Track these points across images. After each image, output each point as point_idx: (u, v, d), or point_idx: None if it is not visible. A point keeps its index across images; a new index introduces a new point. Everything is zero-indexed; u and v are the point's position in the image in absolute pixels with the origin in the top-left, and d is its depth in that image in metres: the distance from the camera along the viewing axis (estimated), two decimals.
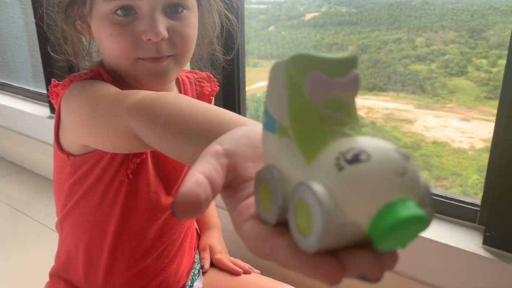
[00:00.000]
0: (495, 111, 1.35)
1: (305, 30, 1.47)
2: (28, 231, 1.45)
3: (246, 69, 1.20)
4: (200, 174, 0.27)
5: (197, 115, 0.40)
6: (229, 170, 0.29)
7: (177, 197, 0.25)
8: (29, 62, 2.13)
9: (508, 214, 0.78)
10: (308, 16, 1.46)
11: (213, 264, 0.86)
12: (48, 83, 1.56)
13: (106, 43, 0.60)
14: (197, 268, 0.84)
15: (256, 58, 1.50)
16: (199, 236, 0.91)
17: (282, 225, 0.25)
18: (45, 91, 1.74)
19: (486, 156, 1.34)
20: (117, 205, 0.66)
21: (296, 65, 0.24)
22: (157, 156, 0.67)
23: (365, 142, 0.23)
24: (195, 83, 0.76)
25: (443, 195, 0.94)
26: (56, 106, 0.64)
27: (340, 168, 0.22)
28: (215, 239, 0.89)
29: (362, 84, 1.39)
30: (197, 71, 0.78)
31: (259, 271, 0.85)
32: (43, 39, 1.50)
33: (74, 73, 0.63)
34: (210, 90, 0.77)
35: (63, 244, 0.74)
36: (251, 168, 0.30)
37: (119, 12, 0.58)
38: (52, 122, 0.64)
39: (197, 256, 0.86)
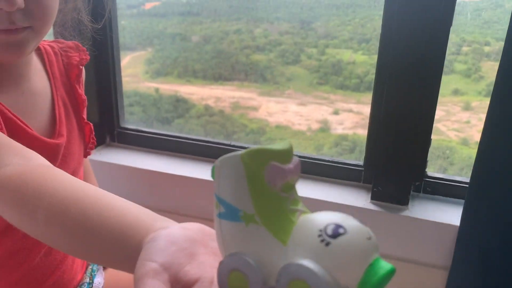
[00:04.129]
0: (326, 95, 1.51)
1: (146, 20, 1.42)
2: None
3: None
4: None
5: (85, 210, 0.36)
6: (172, 283, 0.29)
7: None
8: None
9: (390, 170, 0.88)
10: (148, 6, 1.42)
11: None
12: None
13: None
14: (96, 264, 0.77)
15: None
16: None
17: None
18: None
19: (321, 136, 1.49)
20: None
21: (253, 158, 0.27)
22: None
23: (329, 216, 0.27)
24: (60, 53, 0.69)
25: (329, 159, 1.00)
26: None
27: (327, 244, 0.25)
28: None
29: (209, 74, 1.41)
30: (62, 40, 0.70)
31: None
32: None
33: None
34: (79, 59, 0.69)
35: None
36: (191, 271, 0.30)
37: None
38: None
39: None
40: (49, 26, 0.57)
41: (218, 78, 1.40)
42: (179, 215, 1.05)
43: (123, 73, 1.22)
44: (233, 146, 1.09)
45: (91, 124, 0.73)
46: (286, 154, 0.28)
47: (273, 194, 0.27)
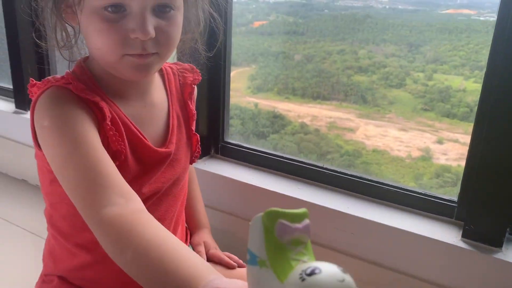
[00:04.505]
0: (430, 122, 1.42)
1: (253, 38, 1.49)
2: None
3: None
4: None
5: (162, 256, 0.47)
6: None
7: None
8: None
9: (485, 209, 0.83)
10: (256, 24, 1.49)
11: (208, 259, 0.88)
12: (15, 78, 1.51)
13: (94, 37, 0.62)
14: None
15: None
16: (189, 234, 0.94)
17: None
18: (8, 86, 1.64)
19: (422, 165, 1.41)
20: None
21: (269, 217, 0.35)
22: (134, 150, 0.69)
23: (318, 263, 0.33)
24: (178, 74, 0.80)
25: (421, 191, 0.98)
26: (31, 107, 0.64)
27: (303, 280, 0.32)
28: (208, 237, 0.92)
29: (308, 93, 1.43)
30: (180, 62, 0.82)
31: None
32: (12, 30, 1.44)
33: (53, 76, 0.65)
34: (192, 79, 0.80)
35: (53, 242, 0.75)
36: None
37: (110, 8, 0.59)
38: (18, 118, 0.64)
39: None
40: (171, 53, 0.67)
41: (317, 97, 1.41)
42: None
43: None
44: (325, 168, 1.11)
45: (198, 135, 0.81)
46: (296, 216, 0.35)
47: (281, 245, 0.35)
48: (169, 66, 0.80)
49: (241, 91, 1.50)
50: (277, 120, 1.45)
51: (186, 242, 0.90)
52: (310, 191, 1.08)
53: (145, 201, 0.72)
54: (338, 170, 1.09)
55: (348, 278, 0.32)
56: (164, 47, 0.64)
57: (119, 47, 0.61)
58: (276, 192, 1.06)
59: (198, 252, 0.88)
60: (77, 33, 0.66)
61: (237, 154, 1.23)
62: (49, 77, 0.66)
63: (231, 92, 1.31)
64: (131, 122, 0.68)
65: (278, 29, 1.46)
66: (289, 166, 1.15)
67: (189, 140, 0.80)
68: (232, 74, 1.48)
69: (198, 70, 0.81)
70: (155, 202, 0.74)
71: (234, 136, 1.45)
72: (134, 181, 0.70)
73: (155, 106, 0.73)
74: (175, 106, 0.77)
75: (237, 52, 1.49)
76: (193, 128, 0.80)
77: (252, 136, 1.46)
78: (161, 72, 0.77)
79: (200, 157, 1.20)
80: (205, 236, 0.93)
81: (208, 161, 1.23)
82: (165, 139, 0.74)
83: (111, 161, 0.59)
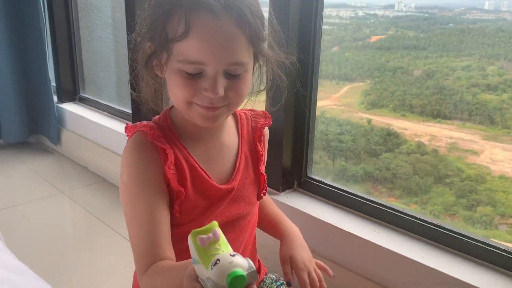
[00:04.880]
0: None
1: (370, 52, 1.45)
2: (105, 239, 1.52)
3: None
4: None
5: (172, 273, 0.67)
6: None
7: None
8: (114, 81, 2.29)
9: None
10: (374, 38, 1.44)
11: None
12: (133, 107, 1.73)
13: (173, 89, 0.72)
14: (281, 281, 0.90)
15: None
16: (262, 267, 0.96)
17: None
18: (128, 110, 1.87)
19: None
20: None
21: (193, 236, 0.55)
22: (199, 188, 0.77)
23: (221, 255, 0.53)
24: (251, 119, 0.87)
25: (508, 249, 0.91)
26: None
27: (212, 267, 0.52)
28: (295, 246, 0.87)
29: (427, 111, 1.34)
30: (254, 108, 0.88)
31: None
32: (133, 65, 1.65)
33: (141, 122, 0.77)
34: (262, 123, 0.86)
35: None
36: None
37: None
38: None
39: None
40: (239, 105, 0.75)
41: (437, 115, 1.31)
42: (338, 265, 1.11)
43: (339, 102, 1.26)
44: (405, 214, 1.08)
45: (265, 175, 0.87)
46: (207, 230, 0.54)
47: (204, 249, 0.54)
48: (244, 112, 0.86)
49: (354, 107, 1.46)
50: (391, 138, 1.38)
51: (259, 274, 0.89)
52: (386, 235, 1.06)
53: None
54: (417, 217, 1.06)
55: (236, 258, 0.52)
56: (232, 101, 0.71)
57: (190, 98, 0.70)
58: (352, 234, 1.08)
59: (285, 274, 0.84)
60: (162, 85, 0.77)
61: (319, 190, 1.25)
62: (137, 123, 0.77)
63: (343, 108, 1.27)
64: (198, 164, 0.77)
65: (397, 44, 1.40)
66: (368, 207, 1.14)
67: (257, 179, 0.85)
68: (345, 89, 1.45)
69: (270, 116, 0.88)
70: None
71: (343, 153, 1.41)
72: (201, 215, 0.78)
73: (224, 146, 0.81)
74: (244, 148, 0.84)
75: (352, 67, 1.46)
76: (261, 168, 0.86)
77: (363, 153, 1.40)
78: (235, 117, 0.85)
79: (283, 190, 1.27)
80: (291, 248, 0.87)
81: (290, 195, 1.26)
82: (230, 176, 0.81)
83: (167, 222, 0.74)
